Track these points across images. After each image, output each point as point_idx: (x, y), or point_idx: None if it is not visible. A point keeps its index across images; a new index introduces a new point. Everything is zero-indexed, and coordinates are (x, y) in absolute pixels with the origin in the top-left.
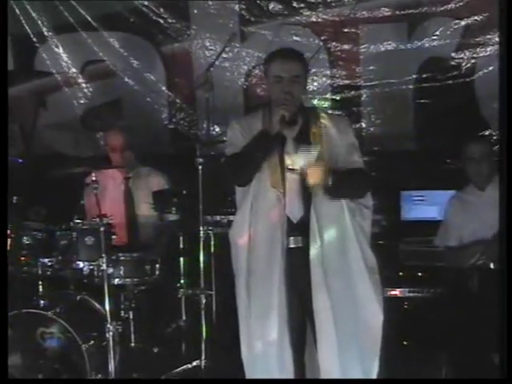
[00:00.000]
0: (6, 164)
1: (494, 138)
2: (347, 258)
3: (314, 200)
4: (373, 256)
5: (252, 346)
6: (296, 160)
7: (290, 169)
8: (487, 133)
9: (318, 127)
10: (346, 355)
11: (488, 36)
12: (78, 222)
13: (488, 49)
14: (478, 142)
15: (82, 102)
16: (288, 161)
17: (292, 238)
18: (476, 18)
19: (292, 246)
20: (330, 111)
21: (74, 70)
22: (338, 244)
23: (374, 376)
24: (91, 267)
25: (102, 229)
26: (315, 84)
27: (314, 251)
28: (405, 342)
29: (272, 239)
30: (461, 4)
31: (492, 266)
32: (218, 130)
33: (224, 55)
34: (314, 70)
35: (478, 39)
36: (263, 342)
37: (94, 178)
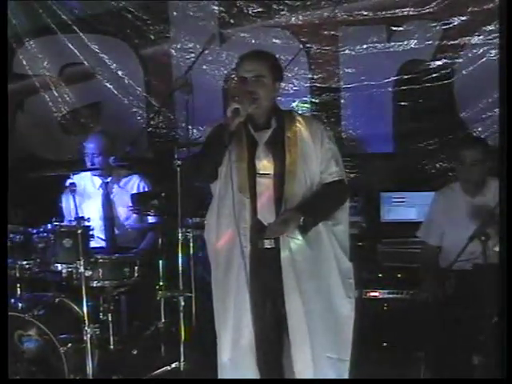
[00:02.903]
0: (6, 164)
1: (487, 143)
2: (319, 261)
3: (284, 205)
4: (346, 260)
5: (226, 349)
6: (267, 165)
7: (261, 173)
8: (480, 138)
9: (292, 132)
10: (319, 356)
11: (467, 38)
12: (56, 225)
13: (467, 51)
14: (469, 147)
15: (60, 104)
16: (259, 166)
17: (266, 240)
18: (455, 20)
19: (267, 246)
20: (306, 116)
21: (52, 72)
22: (309, 247)
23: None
24: (69, 269)
25: (79, 231)
26: (295, 86)
27: (284, 253)
28: (385, 344)
29: (235, 243)
30: (440, 6)
31: (470, 268)
32: (196, 132)
33: (203, 57)
34: (293, 73)
35: (457, 41)
36: (236, 345)
37: (72, 181)
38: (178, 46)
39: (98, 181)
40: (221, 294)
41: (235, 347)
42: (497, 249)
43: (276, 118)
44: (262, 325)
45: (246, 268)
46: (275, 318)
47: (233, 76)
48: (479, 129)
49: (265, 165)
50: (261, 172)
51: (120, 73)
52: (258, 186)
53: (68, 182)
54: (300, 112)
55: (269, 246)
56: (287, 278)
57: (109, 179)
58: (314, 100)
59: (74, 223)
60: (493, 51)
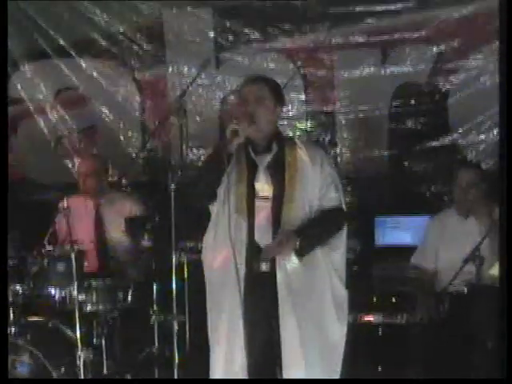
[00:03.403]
0: (6, 165)
1: (482, 166)
2: (314, 286)
3: (282, 228)
4: (342, 287)
5: (218, 371)
6: (266, 188)
7: (260, 196)
8: (476, 161)
9: (293, 157)
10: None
11: (462, 61)
12: (50, 249)
13: (462, 74)
14: (464, 169)
15: (55, 129)
16: (258, 188)
17: (262, 263)
18: (450, 43)
19: (263, 269)
20: (307, 141)
21: (47, 96)
22: (305, 271)
23: None
24: (63, 294)
25: (73, 255)
26: (290, 110)
27: (281, 277)
28: (379, 368)
29: (231, 264)
30: (434, 30)
31: (465, 291)
32: (191, 155)
33: (199, 81)
34: (288, 96)
35: (451, 65)
36: (229, 367)
37: (65, 204)
38: (174, 70)
39: (91, 204)
40: (214, 315)
41: (227, 369)
42: (491, 271)
43: (277, 142)
44: (255, 347)
45: (241, 290)
46: (269, 341)
47: (232, 98)
48: (473, 151)
49: (264, 188)
50: (260, 195)
51: (116, 96)
52: (257, 208)
53: (61, 205)
54: (300, 139)
55: (265, 269)
56: (283, 301)
57: (102, 201)
58: (309, 123)
59: (67, 247)
60: (487, 74)
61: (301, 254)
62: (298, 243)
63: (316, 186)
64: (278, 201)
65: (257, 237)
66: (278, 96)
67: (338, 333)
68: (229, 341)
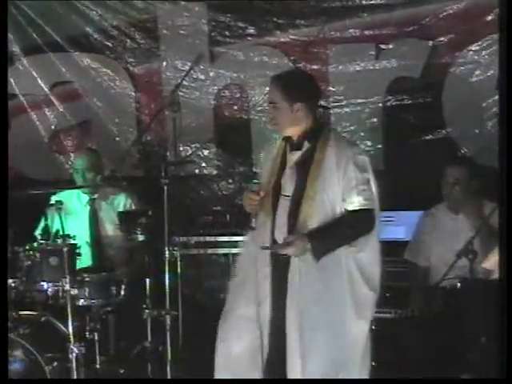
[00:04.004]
0: (6, 162)
1: (471, 161)
2: (330, 285)
3: (298, 228)
4: (366, 288)
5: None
6: (289, 187)
7: (284, 195)
8: (465, 156)
9: (320, 156)
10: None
11: (456, 56)
12: (42, 243)
13: (456, 68)
14: (454, 165)
15: (49, 123)
16: (283, 187)
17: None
18: (443, 38)
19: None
20: (340, 138)
21: (41, 91)
22: (319, 271)
23: None
24: (56, 288)
25: (65, 249)
26: None
27: (291, 275)
28: (373, 363)
29: (256, 259)
30: (428, 24)
31: (458, 285)
32: (186, 150)
33: (194, 76)
34: None
35: (445, 59)
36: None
37: (58, 199)
38: (169, 64)
39: (84, 197)
40: (230, 302)
41: (232, 354)
42: (484, 265)
43: (309, 139)
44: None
45: (257, 280)
46: (276, 334)
47: (227, 94)
48: (466, 147)
49: (288, 187)
50: (283, 193)
51: (111, 91)
52: (280, 206)
53: (54, 199)
54: (335, 136)
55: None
56: (291, 297)
57: (96, 196)
58: None
59: (59, 241)
60: (480, 69)
61: (316, 255)
62: (309, 245)
63: (338, 190)
64: (297, 201)
65: (276, 235)
66: (292, 93)
67: (355, 330)
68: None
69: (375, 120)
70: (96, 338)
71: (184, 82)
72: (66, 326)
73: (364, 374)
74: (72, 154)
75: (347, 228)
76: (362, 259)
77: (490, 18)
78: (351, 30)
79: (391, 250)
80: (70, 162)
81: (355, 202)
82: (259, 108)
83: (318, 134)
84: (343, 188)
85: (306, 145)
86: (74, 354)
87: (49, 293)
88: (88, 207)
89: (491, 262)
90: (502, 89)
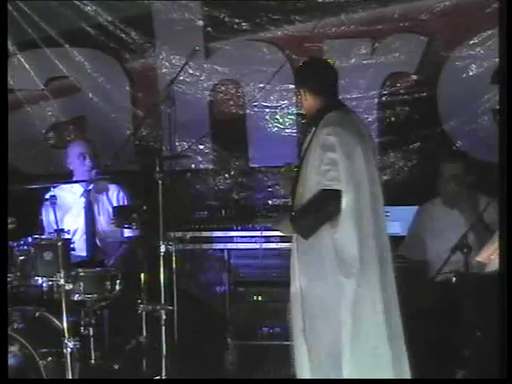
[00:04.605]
0: (6, 160)
1: (467, 156)
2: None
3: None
4: (347, 251)
5: None
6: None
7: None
8: (460, 151)
9: (316, 138)
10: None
11: (451, 51)
12: (36, 237)
13: (451, 64)
14: (449, 160)
15: (44, 118)
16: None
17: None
18: (439, 34)
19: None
20: (332, 123)
21: (37, 86)
22: (311, 246)
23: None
24: (50, 283)
25: (60, 244)
26: (280, 99)
27: (293, 248)
28: None
29: None
30: (424, 20)
31: (453, 280)
32: (182, 145)
33: (189, 71)
34: (278, 86)
35: (441, 55)
36: None
37: (52, 193)
38: (164, 60)
39: (79, 189)
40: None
41: None
42: (478, 258)
43: (313, 123)
44: None
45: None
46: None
47: (222, 88)
48: (461, 142)
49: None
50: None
51: (106, 86)
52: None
53: (48, 194)
54: (329, 120)
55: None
56: (293, 266)
57: (90, 187)
58: (299, 112)
59: (54, 236)
60: (476, 64)
61: (299, 231)
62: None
63: (317, 169)
64: (297, 180)
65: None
66: (307, 82)
67: (341, 285)
68: None
69: (370, 115)
70: (91, 332)
71: (179, 77)
72: (61, 321)
73: None
74: (68, 148)
75: (314, 208)
76: (339, 240)
77: (485, 12)
78: (346, 26)
79: None
80: (65, 156)
81: (320, 183)
82: (254, 103)
83: (321, 118)
84: (319, 168)
85: (313, 129)
86: (69, 349)
87: (43, 288)
88: (83, 198)
89: (485, 255)
90: (502, 82)
